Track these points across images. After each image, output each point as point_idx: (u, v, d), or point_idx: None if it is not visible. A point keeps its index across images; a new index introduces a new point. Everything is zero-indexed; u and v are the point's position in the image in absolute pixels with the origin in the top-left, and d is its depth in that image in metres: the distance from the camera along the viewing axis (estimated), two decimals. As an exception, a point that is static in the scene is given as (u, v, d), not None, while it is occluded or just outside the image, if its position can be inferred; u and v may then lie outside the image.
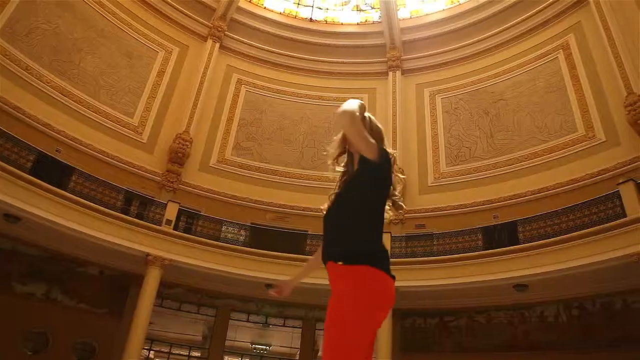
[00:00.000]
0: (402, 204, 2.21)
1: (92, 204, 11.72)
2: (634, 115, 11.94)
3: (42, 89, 13.00)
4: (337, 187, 2.18)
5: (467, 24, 17.68)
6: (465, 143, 15.98)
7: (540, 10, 15.85)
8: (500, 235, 12.59)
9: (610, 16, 13.50)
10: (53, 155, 12.28)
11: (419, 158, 16.39)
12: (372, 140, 2.00)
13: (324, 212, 2.13)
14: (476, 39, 17.31)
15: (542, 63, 15.41)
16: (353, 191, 2.06)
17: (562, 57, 14.92)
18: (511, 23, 16.51)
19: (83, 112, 13.87)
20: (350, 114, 1.94)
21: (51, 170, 11.70)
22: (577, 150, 13.30)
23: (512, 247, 11.72)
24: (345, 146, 2.20)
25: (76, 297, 12.86)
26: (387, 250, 1.99)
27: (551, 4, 15.59)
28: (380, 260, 1.89)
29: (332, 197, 2.16)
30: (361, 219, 1.97)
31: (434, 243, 13.25)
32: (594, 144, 13.11)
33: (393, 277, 1.90)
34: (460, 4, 18.27)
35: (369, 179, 2.03)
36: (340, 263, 1.90)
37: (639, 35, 12.92)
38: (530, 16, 16.06)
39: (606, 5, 13.72)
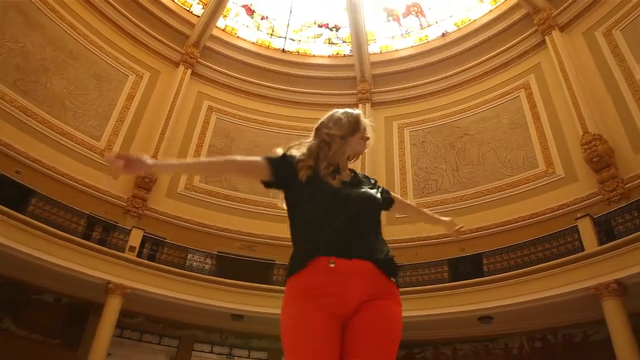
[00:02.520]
0: None
1: (51, 228, 11.27)
2: (590, 153, 12.53)
3: (5, 108, 12.61)
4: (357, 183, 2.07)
5: (435, 61, 18.35)
6: (432, 176, 16.33)
7: (503, 51, 16.65)
8: (466, 268, 12.78)
9: (566, 59, 14.32)
10: (12, 177, 11.84)
11: (387, 189, 16.58)
12: None
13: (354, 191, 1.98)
14: (443, 75, 17.96)
15: (505, 101, 16.09)
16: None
17: (524, 95, 15.63)
18: (476, 62, 17.24)
19: (47, 134, 13.48)
20: None
21: (10, 192, 11.25)
22: (538, 185, 13.81)
23: (477, 279, 11.91)
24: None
25: (29, 327, 12.19)
26: None
27: (513, 45, 16.42)
28: None
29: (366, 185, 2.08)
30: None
31: (401, 275, 13.32)
32: (553, 179, 13.65)
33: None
34: (428, 42, 18.98)
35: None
36: (393, 280, 1.86)
37: (592, 78, 13.75)
38: (494, 56, 16.83)
39: (563, 49, 14.58)
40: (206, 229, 15.48)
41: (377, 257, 1.83)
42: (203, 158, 1.92)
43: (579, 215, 11.32)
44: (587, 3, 14.58)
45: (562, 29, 15.16)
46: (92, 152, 14.55)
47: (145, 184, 14.94)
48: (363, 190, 2.02)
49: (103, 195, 14.18)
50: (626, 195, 11.76)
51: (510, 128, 15.47)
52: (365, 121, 2.18)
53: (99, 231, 12.99)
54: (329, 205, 1.89)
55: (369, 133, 2.16)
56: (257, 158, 1.99)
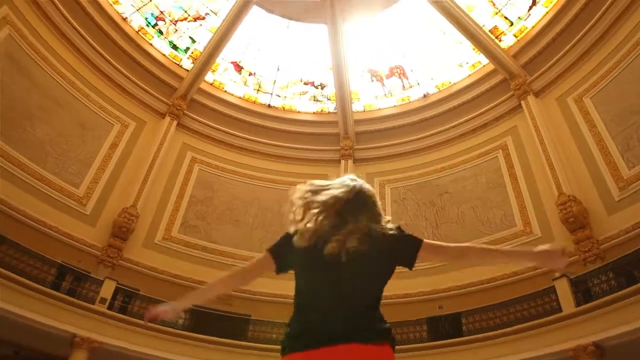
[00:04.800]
0: None
1: (17, 276, 10.86)
2: (565, 213, 12.78)
3: (-16, 152, 12.50)
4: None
5: (416, 121, 18.93)
6: (412, 233, 16.32)
7: (481, 113, 17.29)
8: (445, 327, 12.58)
9: (541, 123, 14.93)
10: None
11: (368, 245, 16.52)
12: None
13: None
14: (424, 134, 18.46)
15: (484, 161, 16.50)
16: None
17: (502, 156, 16.08)
18: (456, 122, 17.82)
19: (25, 179, 13.25)
20: None
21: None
22: (516, 244, 13.87)
23: (456, 339, 11.72)
24: None
25: (-18, 382, 11.47)
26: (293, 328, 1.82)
27: (491, 108, 17.10)
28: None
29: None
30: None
31: (380, 333, 13.00)
32: (531, 239, 13.79)
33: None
34: (410, 102, 19.64)
35: None
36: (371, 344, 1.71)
37: (566, 142, 14.27)
38: (473, 118, 17.44)
39: (538, 113, 15.24)
40: (182, 282, 15.05)
41: None
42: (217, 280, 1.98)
43: (556, 276, 11.37)
44: (558, 72, 15.41)
45: (536, 94, 15.89)
46: (70, 199, 14.34)
47: (122, 233, 14.67)
48: None
49: (77, 244, 13.83)
50: (601, 256, 11.90)
51: (489, 187, 15.77)
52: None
53: (70, 281, 12.56)
54: None
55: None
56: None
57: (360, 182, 2.22)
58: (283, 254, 2.04)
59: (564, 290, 10.60)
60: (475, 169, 16.56)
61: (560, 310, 10.37)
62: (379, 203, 2.19)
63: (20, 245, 11.70)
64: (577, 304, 10.19)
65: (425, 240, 2.00)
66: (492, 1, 18.05)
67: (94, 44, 16.44)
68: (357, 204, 2.12)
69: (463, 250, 2.01)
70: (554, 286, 10.96)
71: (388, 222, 2.08)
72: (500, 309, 11.67)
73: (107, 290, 12.52)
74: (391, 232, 1.99)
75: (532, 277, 12.78)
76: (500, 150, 16.31)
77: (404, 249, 1.99)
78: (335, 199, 2.06)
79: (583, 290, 10.62)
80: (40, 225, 13.12)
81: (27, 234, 12.54)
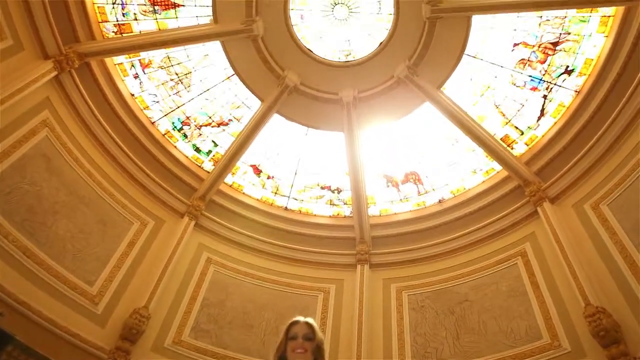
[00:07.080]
0: None
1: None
2: (595, 326, 12.03)
3: (5, 247, 12.54)
4: None
5: (432, 226, 18.92)
6: (432, 343, 15.56)
7: (497, 219, 17.25)
8: None
9: (559, 230, 14.72)
10: (-6, 320, 11.30)
11: (384, 355, 15.68)
12: None
13: None
14: (441, 240, 18.32)
15: (504, 267, 16.12)
16: None
17: (521, 263, 15.71)
18: (472, 228, 17.74)
19: (41, 275, 13.12)
20: None
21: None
22: (544, 358, 13.01)
23: None
24: None
25: None
26: None
27: (507, 214, 17.09)
28: None
29: None
30: None
31: None
32: (560, 353, 12.89)
33: None
34: (425, 207, 19.82)
35: None
36: None
37: (587, 250, 13.94)
38: (489, 224, 17.37)
39: (555, 220, 15.12)
40: (188, 390, 14.22)
41: None
42: None
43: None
44: (572, 179, 15.58)
45: (552, 201, 15.94)
46: (83, 297, 14.06)
47: (132, 335, 14.16)
48: None
49: (84, 345, 13.25)
50: (642, 376, 11.03)
51: (510, 296, 15.21)
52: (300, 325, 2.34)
53: (71, 387, 11.94)
54: None
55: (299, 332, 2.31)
56: None
57: None
58: None
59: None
60: (495, 276, 16.14)
61: None
62: None
63: (26, 346, 11.33)
64: None
65: None
66: (502, 112, 18.97)
67: (123, 146, 17.29)
68: None
69: None
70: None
71: None
72: None
73: (109, 398, 11.83)
74: None
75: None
76: (520, 257, 15.99)
77: None
78: None
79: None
80: (50, 324, 12.67)
81: (36, 332, 12.15)
